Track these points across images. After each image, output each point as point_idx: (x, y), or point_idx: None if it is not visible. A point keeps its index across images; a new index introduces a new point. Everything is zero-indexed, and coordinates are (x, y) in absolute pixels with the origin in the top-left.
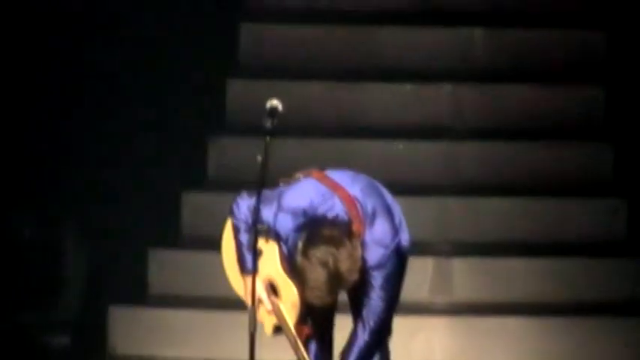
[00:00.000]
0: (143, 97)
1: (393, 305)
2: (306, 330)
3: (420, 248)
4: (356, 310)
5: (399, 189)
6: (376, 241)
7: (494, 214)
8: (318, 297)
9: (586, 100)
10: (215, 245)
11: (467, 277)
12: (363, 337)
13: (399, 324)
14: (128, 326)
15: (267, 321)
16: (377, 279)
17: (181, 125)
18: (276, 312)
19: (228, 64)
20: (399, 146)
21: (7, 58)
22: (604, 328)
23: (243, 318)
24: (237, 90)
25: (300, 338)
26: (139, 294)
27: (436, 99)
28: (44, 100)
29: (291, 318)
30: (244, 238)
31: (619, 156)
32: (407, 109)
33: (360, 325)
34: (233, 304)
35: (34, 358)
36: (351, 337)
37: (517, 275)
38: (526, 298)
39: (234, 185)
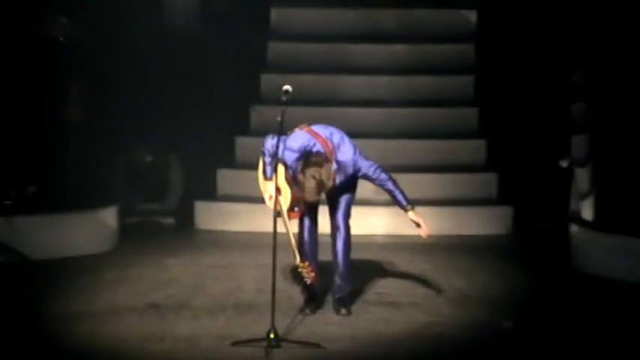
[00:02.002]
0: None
1: (384, 171)
2: (294, 214)
3: None
4: (334, 206)
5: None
6: (344, 156)
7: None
8: (311, 196)
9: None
10: (253, 168)
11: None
12: (395, 189)
13: (357, 211)
14: (206, 212)
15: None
16: (371, 173)
17: (235, 100)
18: (277, 202)
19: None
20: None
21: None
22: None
23: (267, 208)
24: (267, 80)
25: (290, 217)
26: (212, 194)
27: (378, 84)
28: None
29: (285, 206)
30: (267, 160)
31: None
32: (361, 90)
33: (389, 189)
34: (261, 200)
35: (154, 230)
36: (390, 194)
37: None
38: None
39: (266, 133)
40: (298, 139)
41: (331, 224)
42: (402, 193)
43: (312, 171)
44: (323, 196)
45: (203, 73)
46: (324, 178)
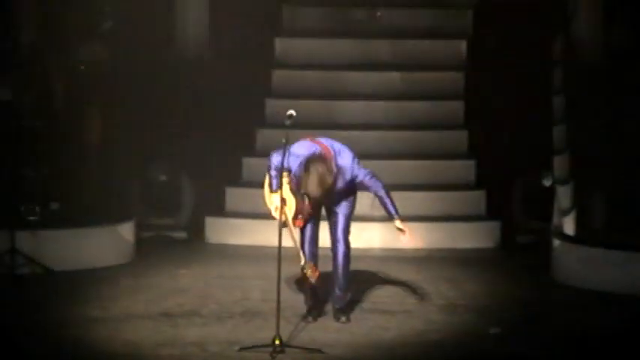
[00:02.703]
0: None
1: (379, 179)
2: (298, 222)
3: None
4: (334, 221)
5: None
6: (344, 162)
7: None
8: (313, 189)
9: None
10: (258, 186)
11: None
12: (387, 197)
13: (355, 226)
14: (215, 227)
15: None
16: (367, 180)
17: (242, 123)
18: (282, 213)
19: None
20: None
21: None
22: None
23: (272, 223)
24: (271, 104)
25: (294, 224)
26: (220, 210)
27: (374, 109)
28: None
29: (290, 214)
30: (273, 173)
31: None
32: (358, 114)
33: (380, 196)
34: (267, 216)
35: (167, 244)
36: (381, 201)
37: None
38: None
39: (270, 154)
40: (302, 145)
41: (331, 239)
42: (393, 202)
43: (314, 165)
44: (323, 211)
45: (213, 98)
46: (326, 171)
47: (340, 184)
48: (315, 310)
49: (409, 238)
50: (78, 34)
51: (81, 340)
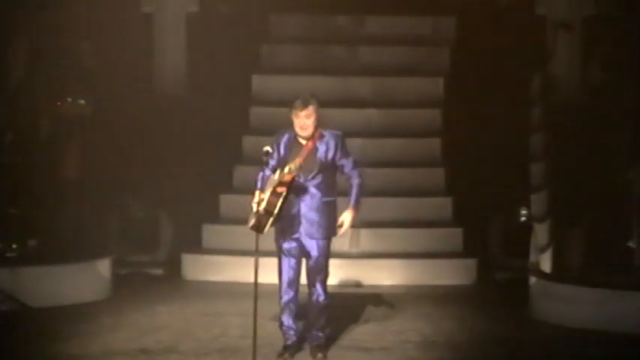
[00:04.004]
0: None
1: (359, 170)
2: (288, 175)
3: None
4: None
5: None
6: (332, 131)
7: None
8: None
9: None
10: (236, 223)
11: (367, 239)
12: (356, 188)
13: (333, 263)
14: (192, 264)
15: (249, 220)
16: (347, 164)
17: (219, 160)
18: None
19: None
20: None
21: None
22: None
23: (249, 260)
24: (248, 141)
25: (284, 180)
26: (198, 247)
27: (351, 146)
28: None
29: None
30: (259, 184)
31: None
32: None
33: (352, 185)
34: (244, 252)
35: (145, 280)
36: (351, 186)
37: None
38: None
39: (248, 190)
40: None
41: (308, 282)
42: (358, 195)
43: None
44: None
45: (190, 136)
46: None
47: (324, 150)
48: (291, 347)
49: (344, 229)
50: (62, 72)
51: None
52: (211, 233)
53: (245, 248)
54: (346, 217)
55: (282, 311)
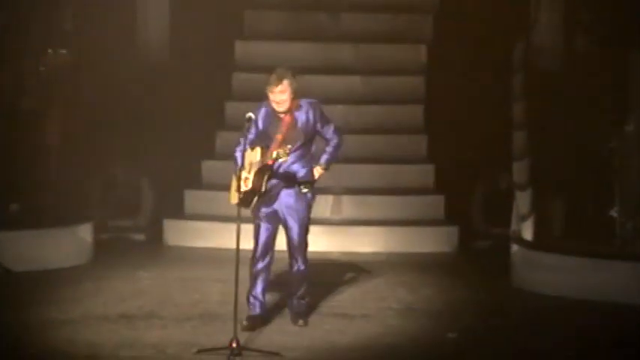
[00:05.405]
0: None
1: (339, 135)
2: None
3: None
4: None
5: None
6: (310, 100)
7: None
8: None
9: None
10: (218, 189)
11: (350, 206)
12: (331, 150)
13: (313, 230)
14: (174, 230)
15: (233, 197)
16: (327, 129)
17: (202, 126)
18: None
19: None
20: None
21: None
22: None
23: (231, 226)
24: (231, 108)
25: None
26: (180, 213)
27: (334, 113)
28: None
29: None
30: (239, 155)
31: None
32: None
33: (332, 140)
34: (225, 219)
35: (126, 245)
36: (327, 145)
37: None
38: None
39: (230, 156)
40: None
41: (288, 252)
42: (331, 156)
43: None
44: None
45: (173, 101)
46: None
47: (303, 120)
48: (254, 319)
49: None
50: (42, 37)
51: (40, 342)
52: (193, 199)
53: (227, 214)
54: (315, 173)
55: (253, 279)
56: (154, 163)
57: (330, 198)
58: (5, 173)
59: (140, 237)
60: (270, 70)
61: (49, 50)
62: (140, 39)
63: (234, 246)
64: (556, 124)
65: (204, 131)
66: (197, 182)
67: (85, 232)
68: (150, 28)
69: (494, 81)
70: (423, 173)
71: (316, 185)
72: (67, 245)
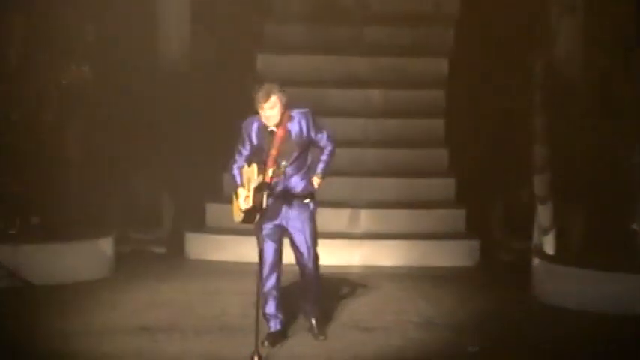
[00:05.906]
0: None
1: (332, 143)
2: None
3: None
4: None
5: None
6: (301, 109)
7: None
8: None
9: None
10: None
11: (368, 219)
12: (326, 159)
13: (334, 243)
14: (195, 242)
15: (237, 215)
16: (321, 136)
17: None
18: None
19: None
20: None
21: None
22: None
23: (252, 239)
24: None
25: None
26: (201, 226)
27: (353, 126)
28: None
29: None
30: (236, 173)
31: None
32: (337, 131)
33: (326, 147)
34: (247, 232)
35: (147, 258)
36: (322, 153)
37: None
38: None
39: None
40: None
41: (299, 266)
42: (327, 164)
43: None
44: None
45: (195, 113)
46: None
47: (296, 131)
48: (275, 335)
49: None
50: (63, 51)
51: (61, 354)
52: (214, 212)
53: (248, 227)
54: (314, 184)
55: (264, 300)
56: (175, 175)
57: (348, 212)
58: (27, 186)
59: (161, 250)
60: (292, 83)
61: (72, 65)
62: (161, 52)
63: (255, 259)
64: (577, 137)
65: (226, 144)
66: (219, 195)
67: (106, 245)
68: (171, 41)
69: (516, 93)
70: (444, 186)
71: (337, 199)
72: (88, 258)
